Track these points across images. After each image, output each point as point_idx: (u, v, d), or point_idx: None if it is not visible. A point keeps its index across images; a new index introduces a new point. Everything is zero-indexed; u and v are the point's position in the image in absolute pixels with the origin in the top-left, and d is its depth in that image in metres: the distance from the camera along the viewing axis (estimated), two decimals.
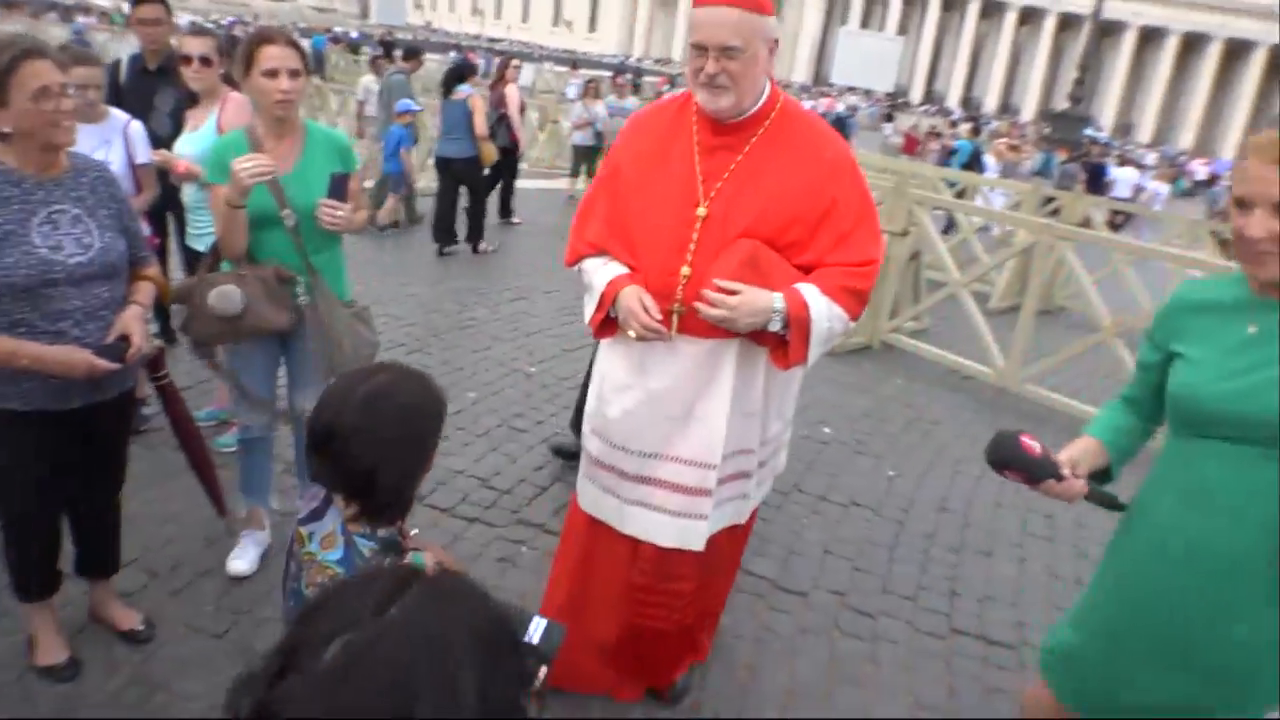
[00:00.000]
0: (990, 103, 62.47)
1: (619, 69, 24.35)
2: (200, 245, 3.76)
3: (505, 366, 5.48)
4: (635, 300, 2.10)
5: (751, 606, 3.25)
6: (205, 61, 3.55)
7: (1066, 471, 1.76)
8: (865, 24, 58.11)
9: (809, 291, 2.06)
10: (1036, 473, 1.76)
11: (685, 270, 2.09)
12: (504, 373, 5.38)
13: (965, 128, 22.78)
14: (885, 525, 4.01)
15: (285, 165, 2.70)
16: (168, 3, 4.28)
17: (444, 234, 8.17)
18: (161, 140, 3.88)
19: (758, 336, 2.10)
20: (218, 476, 2.79)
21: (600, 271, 2.22)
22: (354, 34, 38.21)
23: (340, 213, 2.66)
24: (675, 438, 2.22)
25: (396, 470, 1.53)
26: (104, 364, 2.20)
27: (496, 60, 15.66)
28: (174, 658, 2.66)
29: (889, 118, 33.01)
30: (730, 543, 2.50)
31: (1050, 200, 9.78)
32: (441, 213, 8.17)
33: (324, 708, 0.75)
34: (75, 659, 2.55)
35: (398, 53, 13.32)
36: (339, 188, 2.66)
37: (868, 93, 43.75)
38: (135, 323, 2.31)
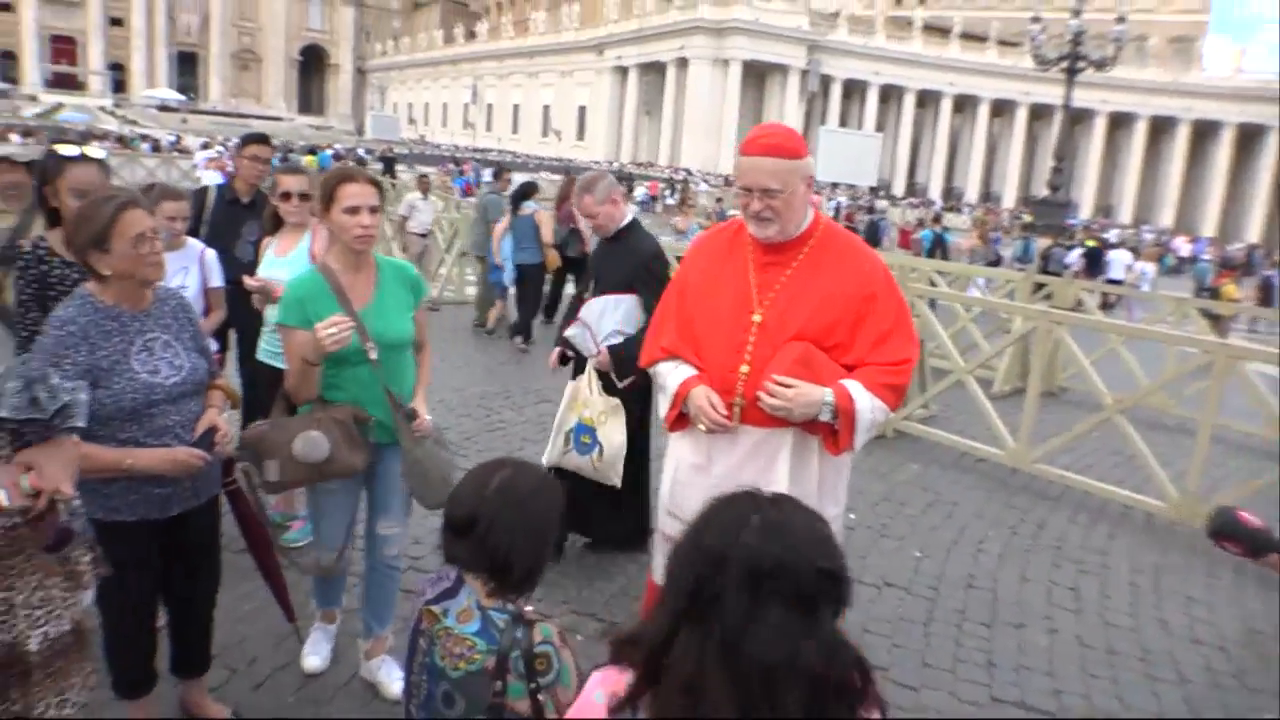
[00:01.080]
0: (971, 192, 64.45)
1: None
2: (280, 362, 4.07)
3: None
4: (704, 399, 2.42)
5: None
6: (304, 197, 3.96)
7: None
8: (844, 122, 60.40)
9: (854, 386, 2.39)
10: (1256, 544, 1.83)
11: (744, 369, 2.43)
12: None
13: (917, 215, 23.80)
14: (918, 603, 4.21)
15: (363, 299, 2.82)
16: (272, 143, 4.78)
17: (525, 329, 9.29)
18: (245, 266, 4.23)
19: (810, 426, 2.42)
20: (285, 583, 2.97)
21: (673, 374, 2.55)
22: (361, 150, 39.69)
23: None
24: None
25: (529, 550, 1.81)
26: (201, 454, 2.43)
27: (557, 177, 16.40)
28: None
29: (870, 209, 34.21)
30: None
31: (1041, 286, 10.23)
32: (523, 314, 9.42)
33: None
34: None
35: (424, 170, 14.05)
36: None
37: (851, 188, 45.21)
38: (217, 416, 2.56)
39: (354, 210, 2.71)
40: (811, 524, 1.30)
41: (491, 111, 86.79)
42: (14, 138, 28.31)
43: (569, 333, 4.02)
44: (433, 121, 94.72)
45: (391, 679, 3.05)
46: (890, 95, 64.26)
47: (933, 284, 10.21)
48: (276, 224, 4.09)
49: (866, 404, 2.39)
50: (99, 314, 2.35)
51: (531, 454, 5.76)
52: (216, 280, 4.00)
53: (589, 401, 3.80)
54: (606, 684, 1.38)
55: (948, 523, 5.31)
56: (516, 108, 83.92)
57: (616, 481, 3.81)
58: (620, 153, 70.10)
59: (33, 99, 64.64)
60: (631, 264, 3.94)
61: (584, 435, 3.80)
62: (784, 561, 1.22)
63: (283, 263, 3.94)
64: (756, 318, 2.46)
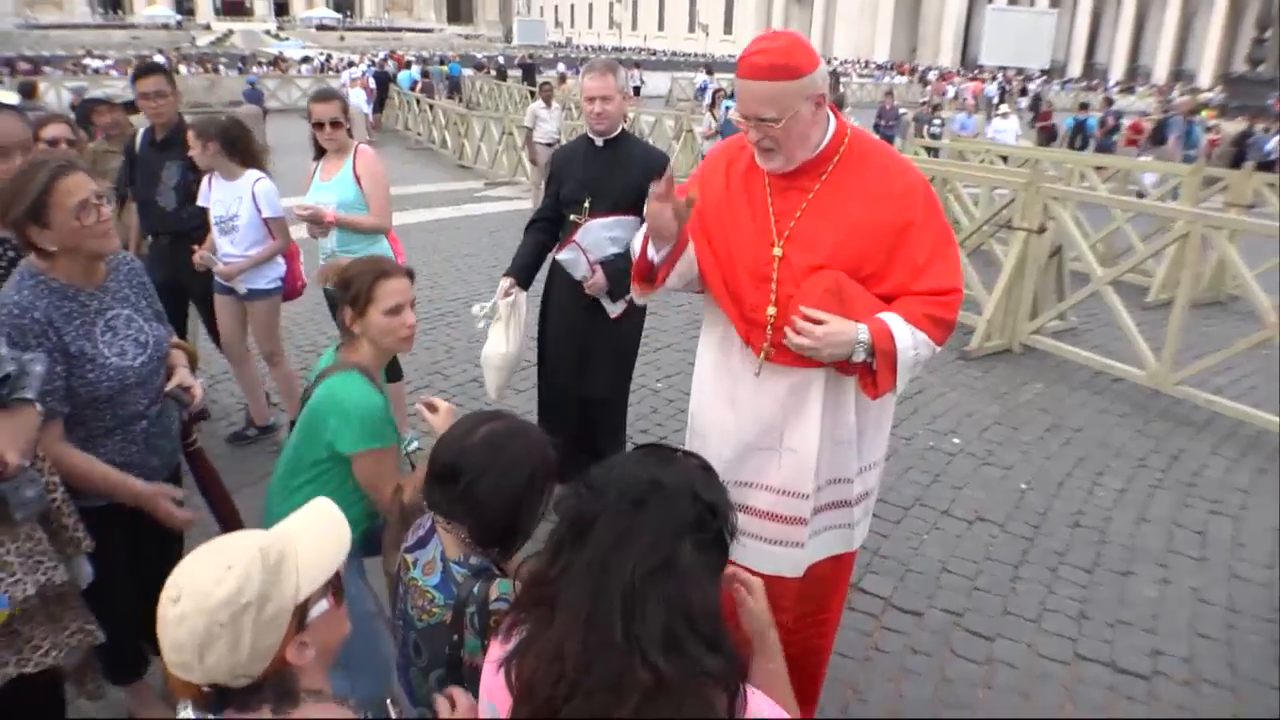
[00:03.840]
0: (1160, 70, 57.71)
1: None
2: None
3: (634, 382, 5.63)
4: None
5: (862, 625, 3.24)
6: (335, 125, 3.88)
7: None
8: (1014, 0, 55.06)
9: (893, 320, 2.06)
10: None
11: (771, 310, 2.14)
12: (631, 388, 5.53)
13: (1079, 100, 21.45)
14: (1012, 542, 3.87)
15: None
16: (170, 74, 4.30)
17: None
18: (169, 216, 4.14)
19: (844, 366, 2.13)
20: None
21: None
22: (500, 59, 39.79)
23: None
24: (769, 467, 2.26)
25: (509, 507, 1.72)
26: (174, 494, 2.29)
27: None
28: None
29: (1023, 91, 31.33)
30: (835, 572, 2.50)
31: (1215, 180, 9.01)
32: None
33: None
34: None
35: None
36: None
37: (1020, 71, 41.48)
38: (188, 376, 2.40)
39: (397, 310, 2.25)
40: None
41: (637, 8, 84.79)
42: (183, 69, 30.02)
43: (561, 256, 3.65)
44: (579, 23, 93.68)
45: None
46: None
47: (1083, 179, 9.21)
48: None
49: (908, 340, 2.05)
50: (54, 295, 2.12)
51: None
52: (269, 210, 4.06)
53: (497, 300, 3.65)
54: (493, 693, 1.36)
55: (1065, 451, 4.84)
56: (662, 3, 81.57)
57: (489, 388, 3.74)
58: None
59: (206, 28, 68.44)
60: (639, 173, 3.46)
61: (478, 309, 3.71)
62: (662, 482, 1.26)
63: (327, 187, 3.95)
64: (777, 252, 2.15)
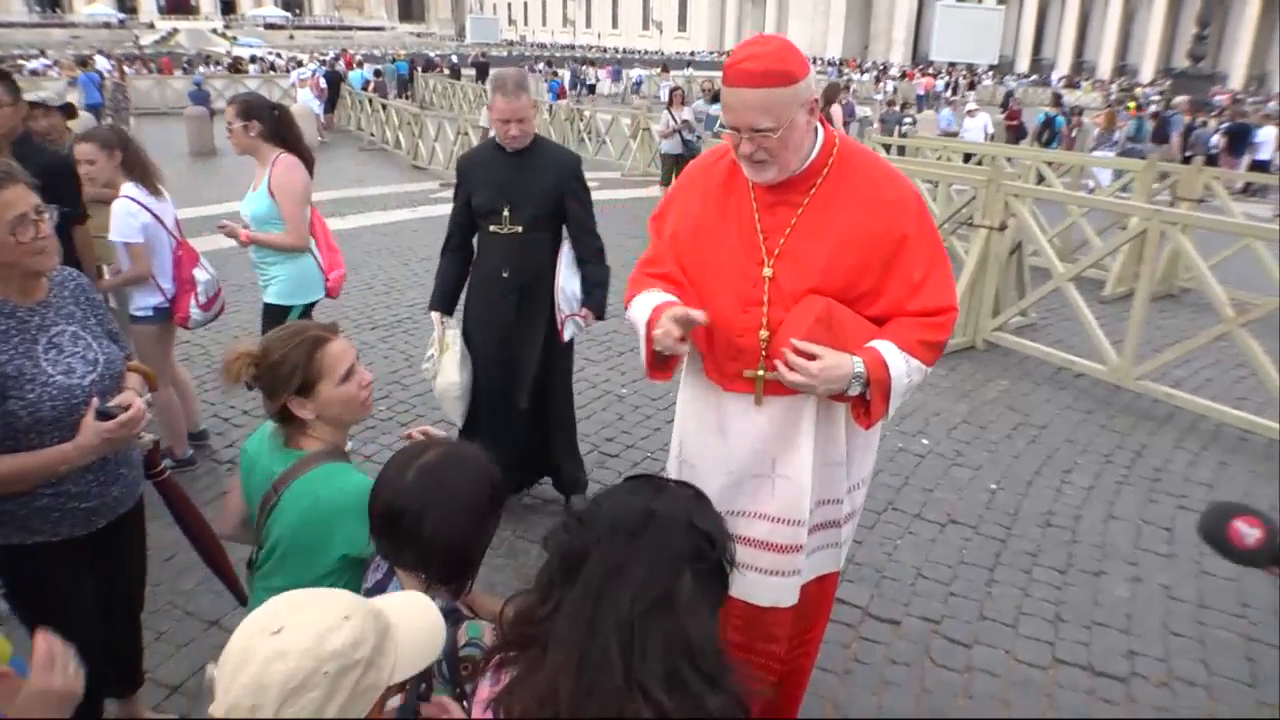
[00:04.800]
0: (1104, 65, 58.96)
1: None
2: (274, 299, 4.02)
3: (598, 389, 5.56)
4: (669, 323, 1.97)
5: (840, 636, 3.19)
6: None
7: None
8: None
9: (887, 350, 1.98)
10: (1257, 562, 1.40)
11: (764, 334, 2.05)
12: (596, 395, 5.46)
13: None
14: (985, 544, 3.86)
15: None
16: (11, 81, 3.86)
17: None
18: None
19: (838, 396, 2.04)
20: (232, 567, 2.48)
21: (640, 306, 2.12)
22: (454, 57, 39.33)
23: None
24: (761, 495, 2.17)
25: (459, 539, 1.62)
26: (120, 420, 2.01)
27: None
28: None
29: (972, 85, 31.79)
30: (821, 590, 2.44)
31: (1167, 175, 9.16)
32: None
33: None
34: None
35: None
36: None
37: (970, 67, 42.06)
38: (136, 397, 2.14)
39: (349, 374, 1.93)
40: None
41: (590, 6, 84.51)
42: (127, 69, 29.12)
43: (566, 335, 3.73)
44: (532, 20, 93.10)
45: None
46: None
47: (1041, 178, 9.31)
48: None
49: (902, 367, 1.98)
50: None
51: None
52: (114, 234, 3.88)
53: (438, 337, 3.71)
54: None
55: (1032, 449, 4.86)
56: (615, 1, 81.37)
57: (454, 418, 3.76)
58: (723, 42, 67.38)
59: (150, 27, 66.74)
60: (555, 175, 3.47)
61: (434, 364, 3.72)
62: (656, 512, 1.22)
63: (249, 198, 3.93)
64: (767, 272, 2.05)
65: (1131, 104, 20.15)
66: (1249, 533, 1.38)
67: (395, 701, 1.18)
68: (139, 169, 3.96)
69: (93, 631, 2.21)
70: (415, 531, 1.59)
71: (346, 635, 1.05)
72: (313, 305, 4.15)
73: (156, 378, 2.50)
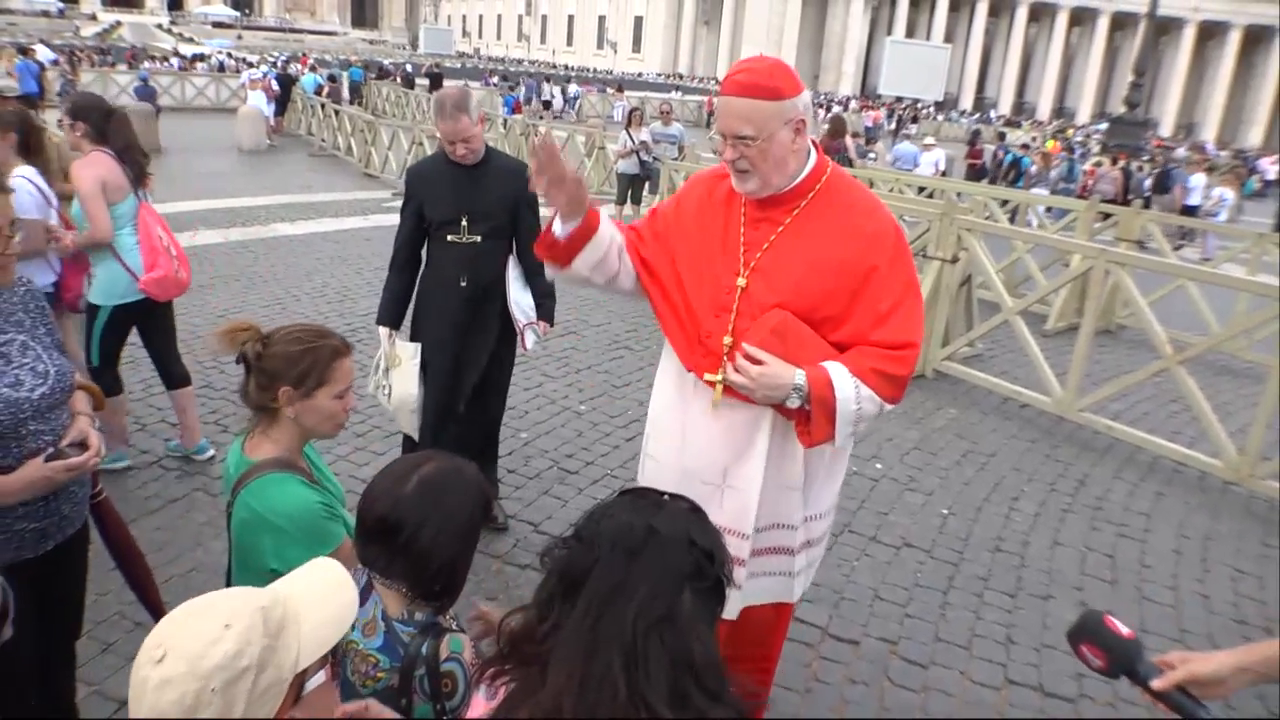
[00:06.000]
0: (1044, 107, 61.27)
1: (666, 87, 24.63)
2: (90, 297, 4.02)
3: (556, 405, 5.55)
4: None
5: (801, 656, 3.24)
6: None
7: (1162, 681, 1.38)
8: (911, 33, 57.44)
9: (836, 371, 2.01)
10: (1119, 660, 1.40)
11: (727, 340, 2.10)
12: (555, 411, 5.45)
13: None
14: (938, 568, 3.95)
15: None
16: None
17: None
18: None
19: (784, 410, 2.09)
20: (160, 598, 2.40)
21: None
22: (408, 66, 39.09)
23: None
24: (710, 504, 2.21)
25: (453, 555, 1.62)
26: (68, 463, 1.95)
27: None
28: None
29: (915, 119, 32.75)
30: (775, 620, 2.47)
31: (1108, 215, 9.54)
32: None
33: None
34: None
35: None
36: None
37: (915, 101, 43.26)
38: (89, 426, 2.09)
39: (344, 394, 1.95)
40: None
41: (546, 23, 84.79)
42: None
43: (529, 347, 3.83)
44: (487, 34, 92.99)
45: None
46: (961, 3, 60.81)
47: (989, 215, 9.61)
48: None
49: (850, 392, 1.99)
50: None
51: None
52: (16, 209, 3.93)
53: (389, 352, 3.74)
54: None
55: (981, 476, 4.99)
56: (571, 19, 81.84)
57: (410, 430, 3.80)
58: (677, 65, 68.12)
59: (92, 18, 64.86)
60: (510, 184, 3.51)
61: (383, 378, 3.76)
62: (657, 530, 1.22)
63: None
64: (740, 282, 2.12)
65: (1051, 143, 20.91)
66: (1092, 659, 1.43)
67: (320, 678, 1.16)
68: (36, 152, 4.00)
69: (32, 671, 2.08)
70: (412, 543, 1.58)
71: (227, 646, 1.03)
72: (132, 307, 4.02)
73: (102, 395, 2.38)
